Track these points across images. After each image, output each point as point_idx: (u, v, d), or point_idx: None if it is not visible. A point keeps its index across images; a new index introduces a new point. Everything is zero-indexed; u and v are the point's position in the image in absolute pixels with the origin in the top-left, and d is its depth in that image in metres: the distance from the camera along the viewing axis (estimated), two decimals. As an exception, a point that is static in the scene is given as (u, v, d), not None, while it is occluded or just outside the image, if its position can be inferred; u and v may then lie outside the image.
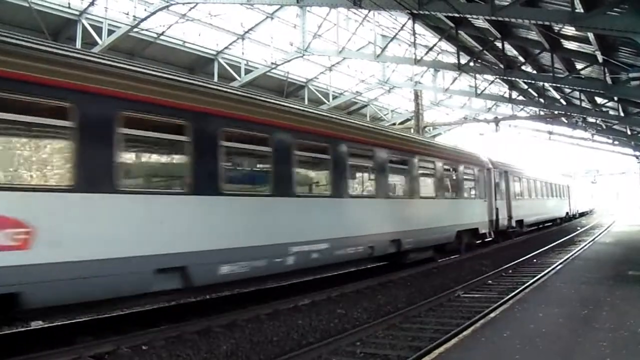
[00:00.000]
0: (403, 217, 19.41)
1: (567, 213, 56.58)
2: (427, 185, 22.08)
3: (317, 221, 14.72)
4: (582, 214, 71.90)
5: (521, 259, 22.81)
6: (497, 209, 29.87)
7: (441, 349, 8.77)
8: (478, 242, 28.40)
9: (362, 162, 17.71)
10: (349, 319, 12.66)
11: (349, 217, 16.22)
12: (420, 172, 21.19)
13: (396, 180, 20.48)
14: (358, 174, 18.57)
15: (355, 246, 15.98)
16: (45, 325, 11.70)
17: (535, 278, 16.85)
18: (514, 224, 33.91)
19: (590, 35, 20.31)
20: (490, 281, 18.01)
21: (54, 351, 9.31)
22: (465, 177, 25.76)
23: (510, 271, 20.31)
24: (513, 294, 14.32)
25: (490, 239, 29.50)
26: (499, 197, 30.87)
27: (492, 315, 11.30)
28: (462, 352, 8.54)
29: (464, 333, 9.82)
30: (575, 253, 23.89)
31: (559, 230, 44.66)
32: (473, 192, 27.26)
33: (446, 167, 23.45)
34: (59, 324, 11.84)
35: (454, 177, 24.75)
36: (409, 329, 11.67)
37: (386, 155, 18.40)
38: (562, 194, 54.09)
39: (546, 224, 47.96)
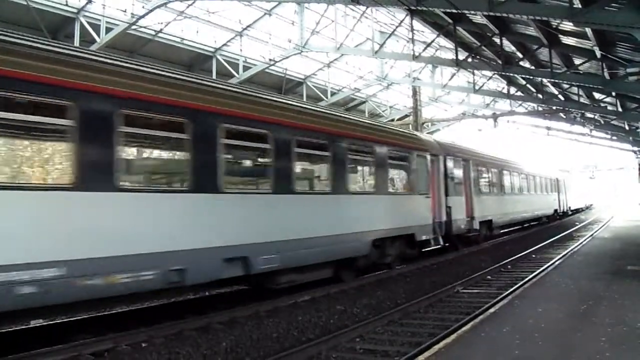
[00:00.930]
0: (253, 222, 12.91)
1: (555, 211, 50.35)
2: (312, 175, 16.55)
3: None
4: (576, 211, 66.95)
5: (520, 255, 22.81)
6: (449, 207, 23.47)
7: (441, 344, 8.78)
8: (424, 250, 21.65)
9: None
10: (348, 315, 12.67)
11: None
12: (299, 155, 14.58)
13: (241, 167, 14.41)
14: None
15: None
16: (45, 323, 11.71)
17: (534, 273, 16.88)
18: (476, 225, 27.27)
19: (589, 31, 20.34)
20: (489, 277, 18.03)
21: (54, 349, 9.32)
22: (392, 165, 19.29)
23: (509, 267, 20.33)
24: (512, 289, 14.34)
25: (438, 246, 22.25)
26: (453, 192, 24.36)
27: (491, 310, 11.31)
28: (462, 348, 8.55)
29: (464, 328, 9.83)
30: (574, 248, 23.89)
31: (554, 226, 44.46)
32: (406, 185, 20.59)
33: (354, 149, 16.77)
34: (59, 322, 11.84)
35: (372, 165, 18.01)
36: (409, 324, 11.69)
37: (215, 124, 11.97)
38: (549, 189, 48.43)
39: (529, 224, 42.84)
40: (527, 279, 15.79)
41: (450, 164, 24.61)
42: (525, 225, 41.87)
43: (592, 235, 31.26)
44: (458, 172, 25.75)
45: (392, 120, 48.37)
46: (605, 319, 10.07)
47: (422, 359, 8.04)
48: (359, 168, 18.30)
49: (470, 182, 27.38)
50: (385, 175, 18.74)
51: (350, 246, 16.12)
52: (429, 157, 22.00)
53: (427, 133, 43.61)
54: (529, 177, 41.01)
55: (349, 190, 16.42)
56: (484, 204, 28.98)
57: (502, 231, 34.87)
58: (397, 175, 20.74)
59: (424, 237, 20.79)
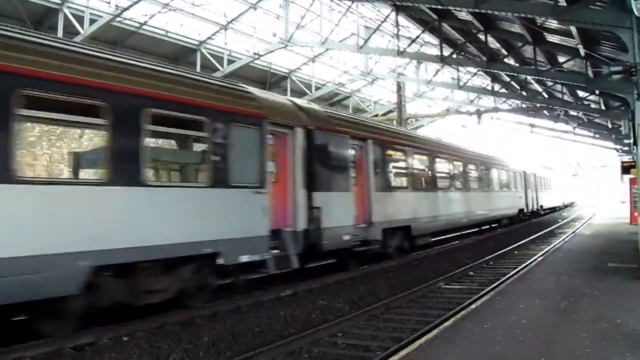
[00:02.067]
0: None
1: (521, 211, 42.12)
2: None
3: None
4: (551, 210, 60.33)
5: (502, 251, 22.89)
6: (316, 208, 15.73)
7: (422, 339, 8.80)
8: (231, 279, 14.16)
9: None
10: (330, 309, 12.66)
11: None
12: None
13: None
14: None
15: None
16: (25, 317, 11.63)
17: (516, 270, 16.97)
18: (377, 235, 19.18)
19: (573, 29, 20.47)
20: (471, 272, 18.09)
21: (34, 343, 9.24)
22: (161, 135, 12.57)
23: (492, 263, 20.40)
24: (494, 285, 14.41)
25: (282, 271, 14.91)
26: (327, 185, 16.50)
27: (473, 306, 11.35)
28: (444, 343, 8.58)
29: (445, 324, 9.87)
30: (555, 245, 24.05)
31: (546, 219, 44.72)
32: (207, 172, 12.50)
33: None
34: (38, 316, 11.74)
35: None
36: (391, 319, 11.69)
37: None
38: (512, 185, 39.77)
39: (481, 227, 34.76)
40: (509, 275, 15.88)
41: (321, 141, 16.37)
42: (477, 229, 33.88)
43: (574, 232, 31.42)
44: (341, 156, 17.39)
45: (377, 115, 48.45)
46: (586, 315, 10.15)
47: (404, 354, 8.04)
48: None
49: (368, 172, 19.08)
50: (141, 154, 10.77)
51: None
52: (268, 127, 14.15)
53: (412, 129, 43.62)
54: (480, 168, 32.22)
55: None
56: (394, 204, 20.77)
57: (440, 239, 27.19)
58: (182, 155, 13.86)
59: (240, 259, 12.90)
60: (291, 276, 15.65)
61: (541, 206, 51.92)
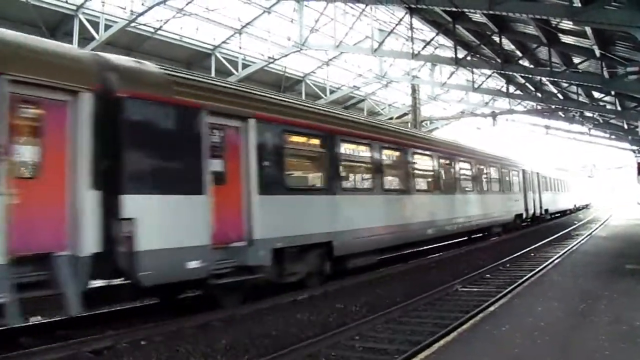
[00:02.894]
0: None
1: (519, 216, 36.47)
2: None
3: None
4: (560, 214, 55.64)
5: (519, 253, 22.75)
6: (126, 220, 10.52)
7: (441, 342, 8.78)
8: None
9: None
10: (347, 312, 12.65)
11: None
12: None
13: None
14: None
15: None
16: (44, 321, 11.71)
17: (533, 272, 16.84)
18: (261, 258, 13.27)
19: (588, 30, 20.33)
20: (488, 275, 17.98)
21: (52, 346, 9.31)
22: None
23: (508, 265, 20.27)
24: (511, 287, 14.33)
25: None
26: (140, 185, 11.02)
27: (490, 309, 11.30)
28: (462, 346, 8.55)
29: (463, 327, 9.83)
30: (572, 247, 23.89)
31: (556, 224, 44.42)
32: None
33: None
34: (57, 319, 11.82)
35: None
36: (408, 322, 11.65)
37: None
38: (503, 185, 33.24)
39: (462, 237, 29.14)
40: (526, 278, 15.77)
41: (141, 116, 11.22)
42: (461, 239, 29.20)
43: (590, 234, 31.23)
44: (184, 140, 12.03)
45: (391, 118, 48.39)
46: (604, 318, 10.08)
47: (422, 358, 8.03)
48: None
49: (248, 166, 13.21)
50: None
51: None
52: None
53: (427, 131, 43.40)
54: (454, 164, 25.97)
55: None
56: (300, 213, 15.01)
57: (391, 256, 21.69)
58: None
59: None
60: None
61: (546, 210, 45.82)
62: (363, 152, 18.63)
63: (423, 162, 23.06)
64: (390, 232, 19.05)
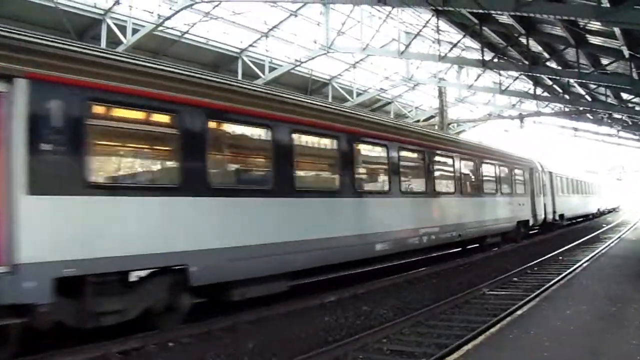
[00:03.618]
0: None
1: (524, 223, 30.96)
2: None
3: None
4: (579, 220, 50.76)
5: (546, 257, 22.62)
6: None
7: (469, 346, 8.76)
8: None
9: None
10: (375, 316, 12.67)
11: None
12: None
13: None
14: None
15: None
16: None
17: (561, 275, 16.76)
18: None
19: (617, 30, 20.15)
20: (515, 278, 17.91)
21: (82, 347, 9.42)
22: None
23: (536, 268, 20.17)
24: (539, 291, 14.27)
25: None
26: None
27: (518, 312, 11.26)
28: (490, 350, 8.52)
29: (491, 330, 9.81)
30: (601, 250, 23.72)
31: (584, 227, 43.98)
32: None
33: None
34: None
35: None
36: (435, 326, 11.65)
37: None
38: (502, 186, 27.82)
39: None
40: (554, 281, 15.69)
41: None
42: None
43: (619, 237, 30.95)
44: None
45: (418, 120, 48.27)
46: (635, 321, 10.01)
47: (450, 361, 8.02)
48: None
49: (8, 151, 8.66)
50: None
51: None
52: None
53: (454, 134, 43.19)
54: (427, 159, 20.30)
55: None
56: (134, 220, 10.29)
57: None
58: None
59: None
60: (334, 282, 15.69)
61: (561, 215, 40.63)
62: (246, 132, 13.30)
63: (366, 152, 17.52)
64: (305, 249, 13.64)
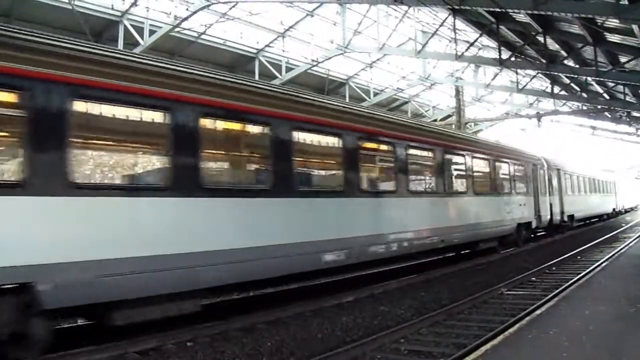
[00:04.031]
0: None
1: (526, 225, 27.88)
2: None
3: None
4: (593, 220, 48.56)
5: (564, 256, 22.50)
6: None
7: (487, 346, 8.71)
8: None
9: None
10: (392, 316, 12.65)
11: None
12: None
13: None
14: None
15: None
16: (92, 322, 11.87)
17: (580, 275, 16.65)
18: None
19: (635, 27, 20.02)
20: (533, 278, 17.84)
21: (100, 347, 9.47)
22: None
23: (554, 268, 20.07)
24: (557, 291, 14.19)
25: None
26: None
27: (537, 312, 11.18)
28: (509, 350, 8.48)
29: (510, 330, 9.75)
30: (620, 250, 23.55)
31: (598, 228, 43.62)
32: None
33: None
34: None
35: None
36: (453, 326, 11.63)
37: None
38: (501, 184, 25.18)
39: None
40: (572, 281, 15.59)
41: None
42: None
43: (639, 237, 30.72)
44: None
45: (435, 120, 48.20)
46: (655, 322, 9.92)
47: (469, 361, 7.99)
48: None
49: None
50: None
51: None
52: None
53: (472, 133, 42.99)
54: (398, 150, 16.97)
55: None
56: None
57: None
58: None
59: None
60: (352, 282, 15.69)
61: (571, 216, 37.51)
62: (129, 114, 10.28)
63: (309, 141, 14.10)
64: (217, 261, 10.91)
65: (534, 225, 28.99)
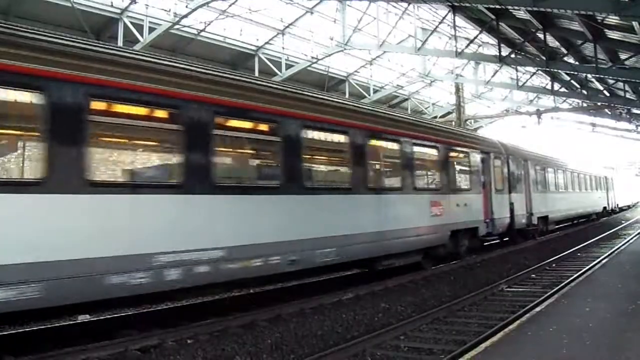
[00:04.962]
0: None
1: (465, 233, 21.13)
2: None
3: None
4: (575, 221, 41.17)
5: (564, 253, 22.48)
6: None
7: (487, 342, 8.72)
8: None
9: None
10: (392, 313, 12.65)
11: None
12: None
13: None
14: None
15: None
16: (93, 319, 11.89)
17: (580, 272, 16.64)
18: None
19: (635, 24, 20.03)
20: (534, 275, 17.82)
21: (101, 344, 9.48)
22: None
23: (554, 265, 20.05)
24: (558, 287, 14.19)
25: None
26: None
27: (537, 309, 11.19)
28: (509, 346, 8.48)
29: (510, 327, 9.75)
30: (620, 247, 23.56)
31: (601, 224, 43.49)
32: None
33: None
34: (106, 317, 12.03)
35: None
36: (454, 322, 11.62)
37: None
38: (448, 182, 20.10)
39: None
40: (572, 278, 15.59)
41: None
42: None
43: (639, 233, 30.72)
44: None
45: (435, 117, 48.22)
46: (654, 319, 9.92)
47: (468, 358, 7.98)
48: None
49: None
50: None
51: None
52: None
53: (472, 130, 42.86)
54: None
55: None
56: None
57: None
58: None
59: None
60: (354, 279, 15.70)
61: (543, 218, 31.24)
62: None
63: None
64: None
65: (482, 231, 22.48)
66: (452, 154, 20.62)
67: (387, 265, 16.49)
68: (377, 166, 17.04)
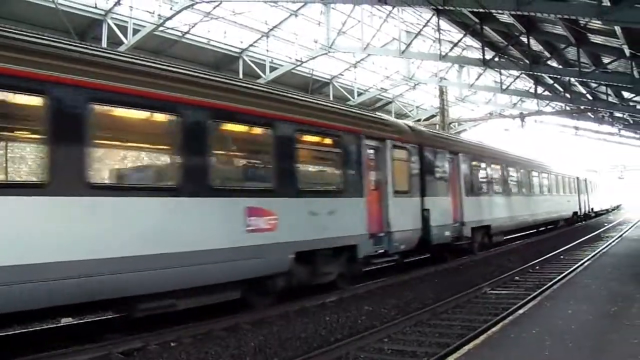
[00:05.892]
0: None
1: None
2: None
3: None
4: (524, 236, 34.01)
5: (547, 256, 22.56)
6: None
7: (470, 345, 8.73)
8: None
9: None
10: (376, 315, 12.64)
11: None
12: None
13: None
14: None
15: None
16: (75, 322, 11.83)
17: (563, 274, 16.70)
18: None
19: (618, 29, 20.13)
20: (517, 277, 17.88)
21: (84, 347, 9.43)
22: None
23: (537, 267, 20.11)
24: (540, 290, 14.24)
25: None
26: None
27: (520, 311, 11.21)
28: (492, 349, 8.49)
29: (493, 329, 9.76)
30: (602, 249, 23.65)
31: (585, 226, 43.69)
32: None
33: None
34: (88, 320, 11.97)
35: None
36: (437, 325, 11.64)
37: None
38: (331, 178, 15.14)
39: None
40: (555, 280, 15.66)
41: None
42: None
43: (621, 236, 30.88)
44: None
45: (419, 120, 48.32)
46: (636, 321, 9.93)
47: (452, 360, 8.01)
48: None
49: None
50: None
51: None
52: None
53: (455, 133, 42.92)
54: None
55: None
56: None
57: None
58: None
59: None
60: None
61: (484, 227, 24.88)
62: None
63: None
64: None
65: (365, 251, 15.64)
66: (300, 135, 13.79)
67: (150, 310, 10.52)
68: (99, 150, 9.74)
